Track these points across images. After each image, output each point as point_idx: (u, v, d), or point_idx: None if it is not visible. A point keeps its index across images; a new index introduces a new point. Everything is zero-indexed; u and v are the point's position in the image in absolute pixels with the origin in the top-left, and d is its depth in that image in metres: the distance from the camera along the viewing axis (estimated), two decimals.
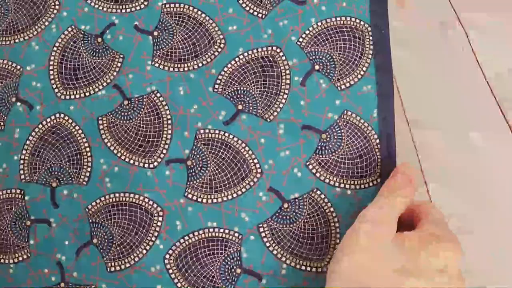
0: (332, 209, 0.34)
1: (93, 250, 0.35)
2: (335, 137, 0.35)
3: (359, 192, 0.34)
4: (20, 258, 0.36)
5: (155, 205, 0.35)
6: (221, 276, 0.34)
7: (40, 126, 0.36)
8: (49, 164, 0.36)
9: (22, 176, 0.36)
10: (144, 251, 0.35)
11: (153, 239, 0.35)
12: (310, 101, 0.35)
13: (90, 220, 0.35)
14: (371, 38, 0.36)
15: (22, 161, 0.36)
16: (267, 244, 0.34)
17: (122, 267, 0.35)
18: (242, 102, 0.35)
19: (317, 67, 0.35)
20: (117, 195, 0.36)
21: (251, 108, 0.35)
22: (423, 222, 0.31)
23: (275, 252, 0.34)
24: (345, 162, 0.35)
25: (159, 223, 0.35)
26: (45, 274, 0.35)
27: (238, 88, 0.36)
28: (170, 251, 0.35)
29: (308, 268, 0.34)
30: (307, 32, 0.36)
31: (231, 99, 0.36)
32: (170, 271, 0.35)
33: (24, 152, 0.36)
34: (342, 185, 0.34)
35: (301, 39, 0.36)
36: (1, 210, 0.36)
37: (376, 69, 0.35)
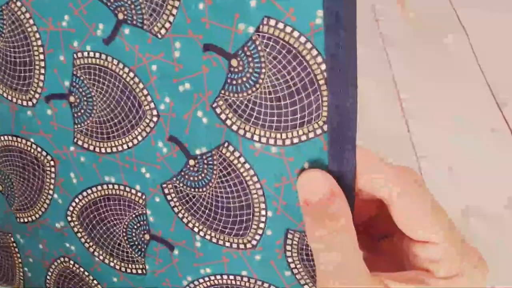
0: (251, 172, 0.23)
1: (1, 197, 0.30)
2: (252, 64, 0.22)
3: (290, 149, 0.22)
4: None
5: (44, 153, 0.28)
6: (129, 241, 0.28)
7: None
8: None
9: None
10: (46, 205, 0.29)
11: (51, 192, 0.29)
12: (211, 2, 0.21)
13: None
14: None
15: None
16: (175, 210, 0.26)
17: (30, 219, 0.30)
18: (123, 8, 0.23)
19: None
20: (5, 137, 0.29)
21: (134, 17, 0.23)
22: (411, 245, 0.21)
23: (185, 220, 0.26)
24: (268, 105, 0.22)
25: (52, 174, 0.28)
26: None
27: None
28: (71, 208, 0.28)
29: (227, 244, 0.25)
30: None
31: (108, 3, 0.24)
32: (75, 229, 0.29)
33: None
34: (263, 139, 0.23)
35: None
36: None
37: None
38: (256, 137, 0.23)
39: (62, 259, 0.30)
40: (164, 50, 0.23)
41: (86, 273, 0.30)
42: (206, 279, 0.27)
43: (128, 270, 0.29)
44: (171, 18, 0.22)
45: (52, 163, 0.28)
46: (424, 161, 0.34)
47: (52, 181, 0.28)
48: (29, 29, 0.26)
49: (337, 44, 0.20)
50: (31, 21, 0.26)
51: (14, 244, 0.32)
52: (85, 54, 0.25)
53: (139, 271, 0.28)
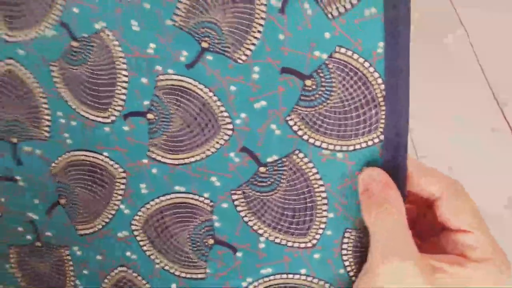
0: (318, 176, 0.27)
1: (62, 211, 0.32)
2: (324, 83, 0.26)
3: (352, 155, 0.26)
4: None
5: (116, 166, 0.31)
6: (193, 246, 0.30)
7: None
8: (6, 117, 0.32)
9: None
10: (110, 216, 0.31)
11: (117, 202, 0.31)
12: (291, 34, 0.26)
13: (56, 179, 0.32)
14: None
15: None
16: (242, 214, 0.29)
17: (91, 230, 0.32)
18: (207, 38, 0.28)
19: None
20: (77, 153, 0.32)
21: (218, 46, 0.28)
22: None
23: (251, 223, 0.29)
24: (336, 117, 0.27)
25: (122, 186, 0.31)
26: (20, 233, 0.34)
27: (202, 20, 0.28)
28: (137, 217, 0.31)
29: (290, 244, 0.28)
30: None
31: (194, 34, 0.28)
32: (138, 238, 0.31)
33: None
34: (330, 147, 0.27)
35: None
36: None
37: None
38: (324, 145, 0.27)
39: (120, 268, 0.32)
40: (243, 73, 0.28)
41: (144, 282, 0.32)
42: (266, 279, 0.30)
43: (188, 276, 0.31)
44: (251, 47, 0.27)
45: (123, 175, 0.31)
46: (424, 161, 0.37)
47: (121, 192, 0.31)
48: (116, 55, 0.30)
49: (394, 70, 0.26)
50: (118, 49, 0.29)
51: (69, 257, 0.34)
52: (167, 76, 0.29)
53: (199, 275, 0.31)
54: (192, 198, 0.31)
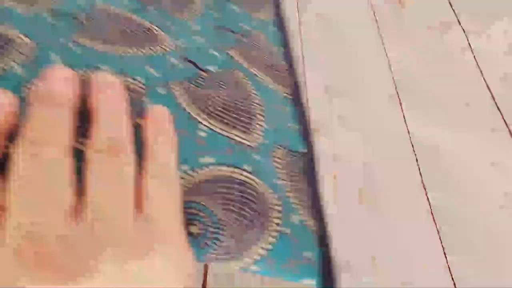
0: (253, 90, 0.32)
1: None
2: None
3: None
4: None
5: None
6: None
7: None
8: None
9: None
10: None
11: None
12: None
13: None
14: None
15: None
16: (180, 101, 0.26)
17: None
18: None
19: None
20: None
21: None
22: None
23: (189, 110, 0.26)
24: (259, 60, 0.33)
25: None
26: None
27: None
28: None
29: (233, 137, 0.26)
30: None
31: None
32: None
33: None
34: (262, 76, 0.31)
35: None
36: None
37: None
38: (258, 74, 0.31)
39: None
40: None
41: None
42: (206, 168, 0.24)
43: None
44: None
45: None
46: (424, 160, 0.35)
47: None
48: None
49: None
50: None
51: None
52: None
53: None
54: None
